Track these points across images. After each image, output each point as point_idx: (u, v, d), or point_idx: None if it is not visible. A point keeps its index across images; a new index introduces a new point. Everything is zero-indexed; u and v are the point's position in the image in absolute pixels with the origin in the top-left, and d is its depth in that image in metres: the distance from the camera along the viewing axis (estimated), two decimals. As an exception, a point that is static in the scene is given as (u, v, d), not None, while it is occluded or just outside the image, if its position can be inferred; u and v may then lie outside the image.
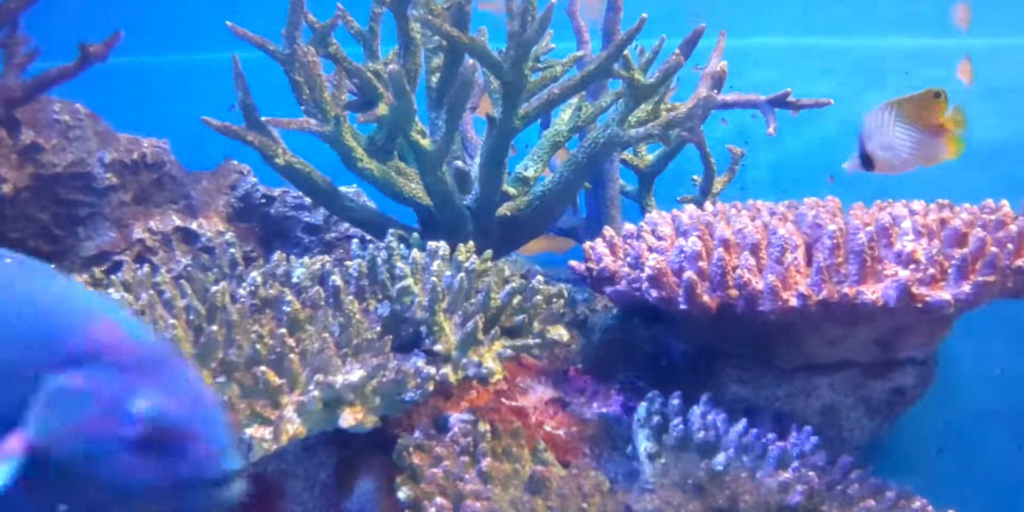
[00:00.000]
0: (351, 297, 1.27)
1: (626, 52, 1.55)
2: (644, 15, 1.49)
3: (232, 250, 1.52)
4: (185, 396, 0.77)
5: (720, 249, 1.36)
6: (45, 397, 0.74)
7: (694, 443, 1.29)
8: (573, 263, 1.56)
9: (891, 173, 1.44)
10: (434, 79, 1.63)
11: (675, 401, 1.35)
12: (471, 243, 1.46)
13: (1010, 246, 1.35)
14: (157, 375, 0.76)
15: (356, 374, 1.15)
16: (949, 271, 1.31)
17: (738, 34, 1.82)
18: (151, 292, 1.25)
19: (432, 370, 1.21)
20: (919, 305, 1.29)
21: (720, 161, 2.04)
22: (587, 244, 1.55)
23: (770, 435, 1.30)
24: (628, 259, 1.46)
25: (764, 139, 1.80)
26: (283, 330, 1.17)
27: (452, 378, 1.23)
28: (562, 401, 1.40)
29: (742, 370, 1.48)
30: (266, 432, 1.08)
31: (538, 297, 1.37)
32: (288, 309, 1.24)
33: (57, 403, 0.74)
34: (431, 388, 1.21)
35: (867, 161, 1.44)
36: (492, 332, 1.29)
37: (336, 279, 1.28)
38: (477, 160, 1.63)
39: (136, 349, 0.77)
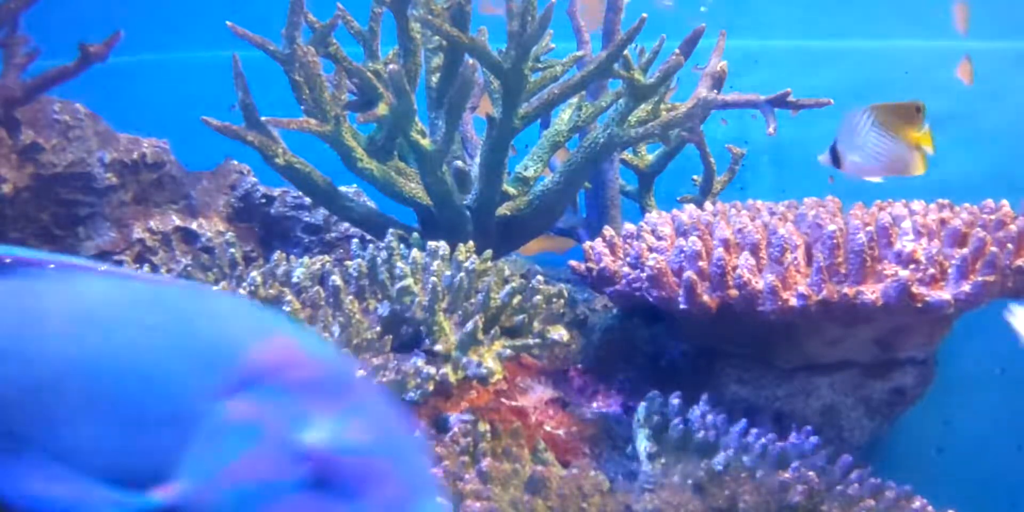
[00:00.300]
0: (351, 297, 1.27)
1: (626, 52, 1.55)
2: (644, 15, 1.49)
3: (232, 250, 1.52)
4: (371, 423, 0.61)
5: (720, 249, 1.36)
6: (203, 433, 0.60)
7: (694, 443, 1.29)
8: (573, 263, 1.56)
9: (856, 176, 1.45)
10: (434, 79, 1.63)
11: (675, 401, 1.35)
12: (471, 243, 1.46)
13: (1010, 246, 1.35)
14: (338, 399, 0.61)
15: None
16: (949, 271, 1.31)
17: (739, 35, 1.82)
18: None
19: (432, 370, 1.21)
20: (919, 305, 1.29)
21: (720, 161, 2.04)
22: (587, 244, 1.55)
23: (770, 435, 1.30)
24: (628, 259, 1.46)
25: (764, 139, 1.80)
26: (283, 330, 1.17)
27: (452, 378, 1.23)
28: (562, 401, 1.40)
29: (742, 370, 1.48)
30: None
31: (538, 297, 1.37)
32: (288, 309, 1.24)
33: (216, 439, 0.60)
34: (431, 388, 1.21)
35: (837, 158, 1.45)
36: (492, 332, 1.29)
37: (336, 279, 1.28)
38: (477, 160, 1.63)
39: (314, 368, 0.62)
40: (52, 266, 0.66)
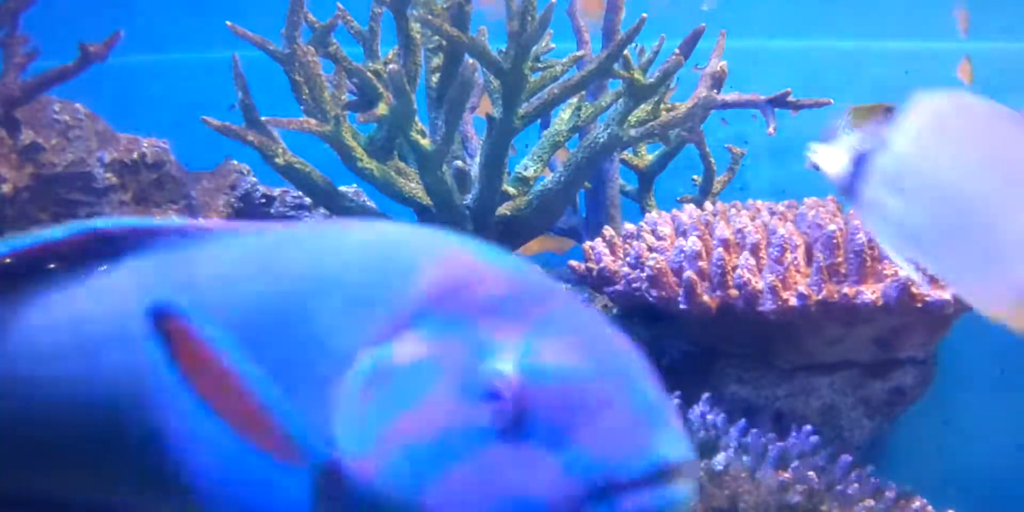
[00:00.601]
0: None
1: (626, 52, 1.55)
2: (644, 15, 1.49)
3: (232, 250, 1.52)
4: (575, 340, 0.46)
5: (720, 249, 1.36)
6: (361, 386, 0.46)
7: (694, 443, 1.29)
8: (573, 263, 1.56)
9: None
10: (434, 79, 1.63)
11: (675, 401, 1.35)
12: (471, 243, 1.46)
13: (1010, 246, 1.35)
14: (529, 315, 0.46)
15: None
16: (949, 271, 1.31)
17: (740, 36, 1.82)
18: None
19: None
20: (919, 305, 1.29)
21: (720, 161, 2.04)
22: (587, 244, 1.55)
23: (770, 435, 1.30)
24: (628, 259, 1.46)
25: (764, 139, 1.80)
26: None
27: (452, 378, 1.22)
28: (562, 401, 1.40)
29: (742, 370, 1.48)
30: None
31: (538, 297, 1.37)
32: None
33: (377, 391, 0.46)
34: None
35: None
36: (492, 332, 1.28)
37: (336, 279, 1.28)
38: (477, 160, 1.63)
39: (496, 283, 0.48)
40: (170, 233, 0.56)
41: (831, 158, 0.76)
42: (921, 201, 0.71)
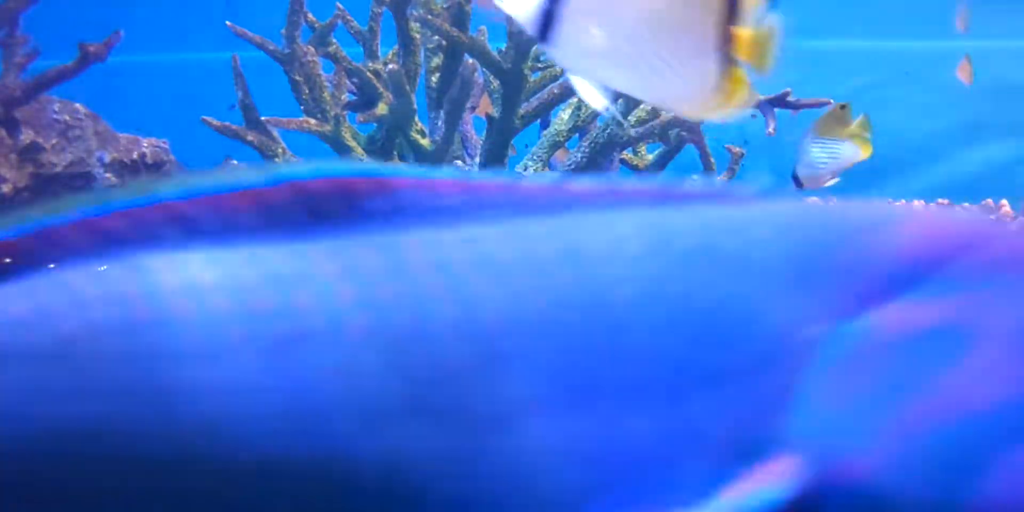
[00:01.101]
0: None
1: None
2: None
3: (232, 250, 1.52)
4: None
5: (720, 249, 1.36)
6: (829, 371, 0.37)
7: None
8: (573, 263, 1.55)
9: (817, 187, 1.54)
10: (434, 79, 1.63)
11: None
12: (471, 243, 1.46)
13: (1010, 246, 1.35)
14: None
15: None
16: (949, 271, 1.31)
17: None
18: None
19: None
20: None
21: (720, 161, 2.04)
22: (587, 244, 1.55)
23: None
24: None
25: (764, 139, 1.80)
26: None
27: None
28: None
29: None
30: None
31: (538, 297, 1.37)
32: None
33: (865, 374, 0.36)
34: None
35: (797, 181, 1.59)
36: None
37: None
38: (477, 160, 1.63)
39: (1017, 241, 0.39)
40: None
41: (520, 1, 0.78)
42: (612, 26, 0.78)
